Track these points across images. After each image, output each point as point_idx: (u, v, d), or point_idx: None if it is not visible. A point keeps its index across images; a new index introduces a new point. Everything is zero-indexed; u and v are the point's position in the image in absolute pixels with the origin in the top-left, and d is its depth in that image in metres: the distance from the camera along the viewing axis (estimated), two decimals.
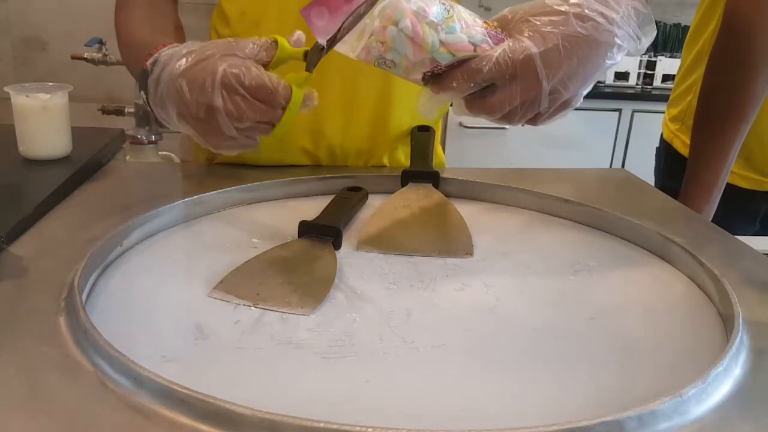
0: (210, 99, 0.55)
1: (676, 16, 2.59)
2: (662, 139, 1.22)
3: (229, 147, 0.59)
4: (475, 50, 0.54)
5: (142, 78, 0.61)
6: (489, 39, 0.54)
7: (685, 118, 1.13)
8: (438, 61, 0.54)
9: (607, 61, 0.55)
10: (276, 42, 0.58)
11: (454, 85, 0.54)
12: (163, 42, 0.62)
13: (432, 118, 0.57)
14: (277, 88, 0.55)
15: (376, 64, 0.55)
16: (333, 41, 0.56)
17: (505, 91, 0.54)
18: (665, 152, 1.19)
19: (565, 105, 0.57)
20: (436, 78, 0.55)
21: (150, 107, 0.61)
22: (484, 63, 0.53)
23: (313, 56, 0.57)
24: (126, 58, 0.75)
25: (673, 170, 1.12)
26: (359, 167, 0.89)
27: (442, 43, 0.53)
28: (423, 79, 0.55)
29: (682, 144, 1.13)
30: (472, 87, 0.54)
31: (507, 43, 0.53)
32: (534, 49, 0.52)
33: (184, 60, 0.57)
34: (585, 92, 0.58)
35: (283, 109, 0.56)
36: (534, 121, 0.58)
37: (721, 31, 0.92)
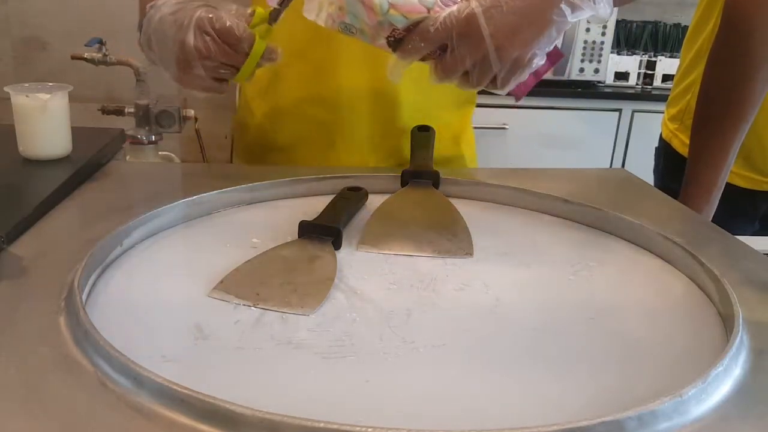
0: (184, 36, 0.63)
1: (676, 16, 2.59)
2: (661, 139, 1.22)
3: (198, 86, 0.66)
4: (429, 13, 0.56)
5: (141, 21, 0.68)
6: (442, 3, 0.57)
7: (684, 118, 1.13)
8: (395, 25, 0.57)
9: (555, 17, 0.56)
10: (254, 12, 0.65)
11: (410, 47, 0.57)
12: None
13: (399, 83, 0.61)
14: (243, 34, 0.63)
15: (340, 29, 0.59)
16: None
17: (455, 52, 0.56)
18: (664, 152, 1.19)
19: (518, 64, 0.58)
20: (399, 42, 0.58)
21: (142, 48, 0.70)
22: (431, 23, 0.56)
23: (275, 12, 0.64)
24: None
25: (672, 170, 1.12)
26: (360, 167, 0.89)
27: (391, 5, 0.56)
28: (387, 43, 0.58)
29: (680, 143, 1.13)
30: (424, 48, 0.57)
31: (457, 5, 0.56)
32: (478, 9, 0.55)
33: (174, 6, 0.65)
34: (541, 52, 0.59)
35: (246, 55, 0.64)
36: (494, 84, 0.60)
37: (720, 28, 0.92)
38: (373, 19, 0.57)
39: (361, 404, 0.41)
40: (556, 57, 0.63)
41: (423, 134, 0.85)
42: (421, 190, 0.76)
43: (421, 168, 0.80)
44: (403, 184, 0.78)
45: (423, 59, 0.59)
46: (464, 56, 0.56)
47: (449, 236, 0.66)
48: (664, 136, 1.20)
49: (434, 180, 0.78)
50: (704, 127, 0.97)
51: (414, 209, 0.72)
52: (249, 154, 0.97)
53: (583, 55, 2.21)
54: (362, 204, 0.73)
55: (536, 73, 0.63)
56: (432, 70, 0.60)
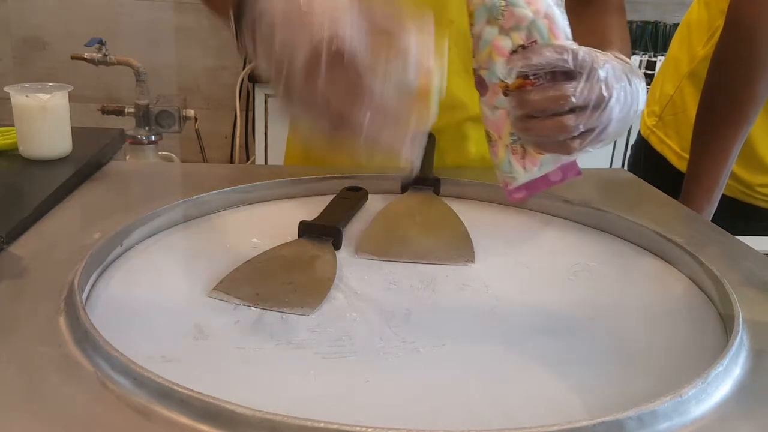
0: None
1: (676, 16, 2.59)
2: (639, 135, 1.23)
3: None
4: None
5: None
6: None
7: (663, 114, 1.14)
8: (534, 36, 0.51)
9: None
10: None
11: (534, 59, 0.50)
12: None
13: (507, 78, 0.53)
14: None
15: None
16: None
17: (581, 83, 0.50)
18: (643, 149, 1.21)
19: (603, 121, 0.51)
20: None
21: None
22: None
23: None
24: None
25: (651, 167, 1.14)
26: (360, 167, 0.88)
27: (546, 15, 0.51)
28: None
29: (658, 141, 1.14)
30: (543, 64, 0.50)
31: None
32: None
33: None
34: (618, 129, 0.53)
35: None
36: (562, 145, 0.51)
37: (724, 29, 0.93)
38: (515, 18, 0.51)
39: (361, 404, 0.41)
40: (573, 173, 0.57)
41: None
42: (422, 196, 0.76)
43: (422, 174, 0.79)
44: (403, 190, 0.78)
45: (511, 88, 0.52)
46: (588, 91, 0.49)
47: (450, 244, 0.66)
48: (642, 132, 1.22)
49: (435, 186, 0.78)
50: (706, 127, 0.97)
51: (414, 216, 0.72)
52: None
53: None
54: (362, 204, 0.73)
55: (547, 181, 0.57)
56: (516, 101, 0.51)
